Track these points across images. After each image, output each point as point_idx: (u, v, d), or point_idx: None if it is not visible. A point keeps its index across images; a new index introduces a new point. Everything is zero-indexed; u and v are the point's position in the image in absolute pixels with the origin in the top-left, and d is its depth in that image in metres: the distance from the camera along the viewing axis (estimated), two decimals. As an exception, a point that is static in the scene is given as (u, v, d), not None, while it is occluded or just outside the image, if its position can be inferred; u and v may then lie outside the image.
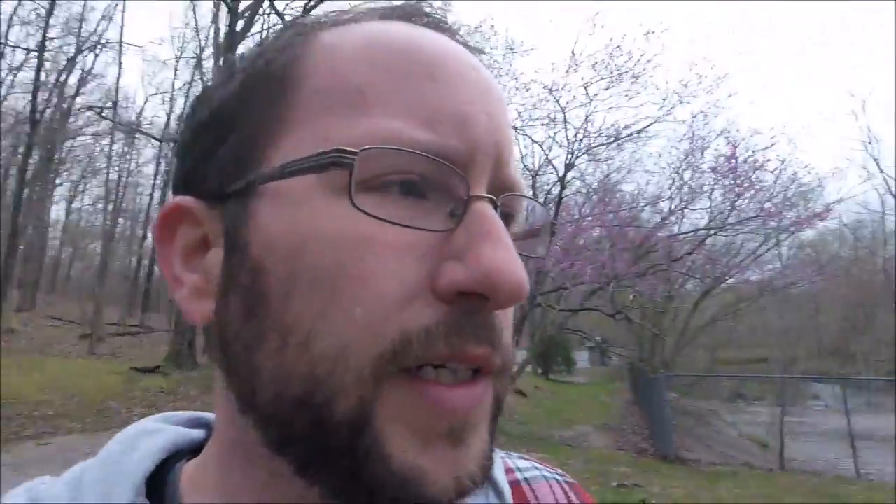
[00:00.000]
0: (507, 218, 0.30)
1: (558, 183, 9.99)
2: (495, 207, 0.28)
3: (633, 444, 10.66)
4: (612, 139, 9.70)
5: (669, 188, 10.51)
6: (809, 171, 10.46)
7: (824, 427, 11.73)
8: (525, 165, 10.75)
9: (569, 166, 9.79)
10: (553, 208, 10.38)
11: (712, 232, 9.83)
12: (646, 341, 12.15)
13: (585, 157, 10.07)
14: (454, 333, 0.25)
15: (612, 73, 9.10)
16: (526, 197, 0.33)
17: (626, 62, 8.97)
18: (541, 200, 10.97)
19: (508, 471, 0.40)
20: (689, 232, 10.57)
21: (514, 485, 0.39)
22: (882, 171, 8.69)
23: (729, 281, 11.78)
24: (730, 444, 12.31)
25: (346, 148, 0.25)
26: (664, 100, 9.35)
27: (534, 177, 10.55)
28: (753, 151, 9.32)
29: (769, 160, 9.30)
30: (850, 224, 15.22)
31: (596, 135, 9.67)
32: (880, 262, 10.73)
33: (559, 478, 0.42)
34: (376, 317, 0.25)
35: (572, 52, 9.06)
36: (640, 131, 9.70)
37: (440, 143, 0.26)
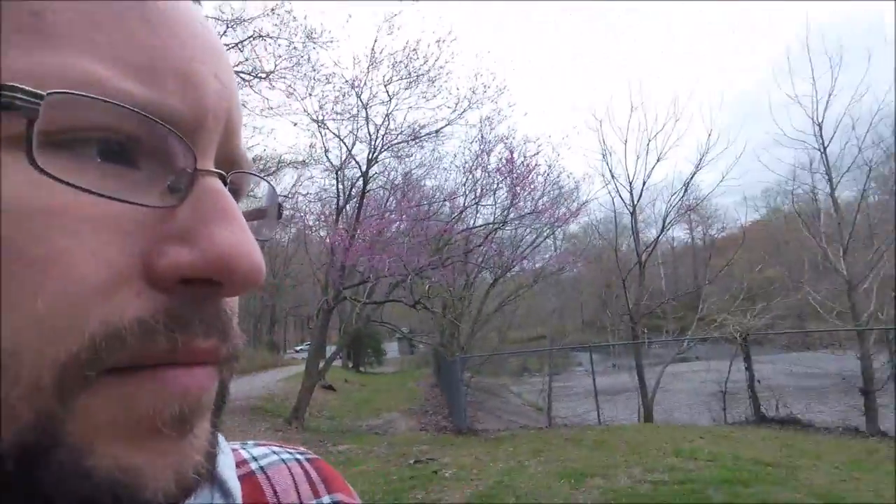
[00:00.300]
0: (234, 196, 0.25)
1: (361, 178, 10.08)
2: (224, 184, 0.24)
3: (434, 423, 11.46)
4: (411, 137, 10.17)
5: (464, 186, 11.52)
6: (569, 175, 12.66)
7: (582, 388, 14.37)
8: (329, 160, 10.57)
9: (371, 162, 9.95)
10: (357, 202, 10.47)
11: (497, 226, 11.10)
12: (446, 328, 13.07)
13: (387, 153, 10.38)
14: (178, 327, 0.21)
15: (410, 73, 9.53)
16: (254, 174, 0.29)
17: (422, 65, 9.50)
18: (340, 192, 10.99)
19: (242, 463, 0.37)
20: (480, 226, 11.78)
21: (248, 476, 0.36)
22: (613, 178, 11.03)
23: (515, 270, 13.48)
24: (515, 412, 14.17)
25: (22, 86, 0.18)
26: (456, 104, 10.17)
27: (337, 171, 10.43)
28: (526, 156, 10.81)
29: (538, 165, 10.92)
30: (597, 220, 18.91)
31: (397, 132, 10.04)
32: (616, 252, 13.67)
33: (300, 457, 0.40)
34: (69, 309, 0.19)
35: (372, 50, 9.21)
36: (436, 132, 10.39)
37: (160, 102, 0.21)
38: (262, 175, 0.30)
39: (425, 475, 6.05)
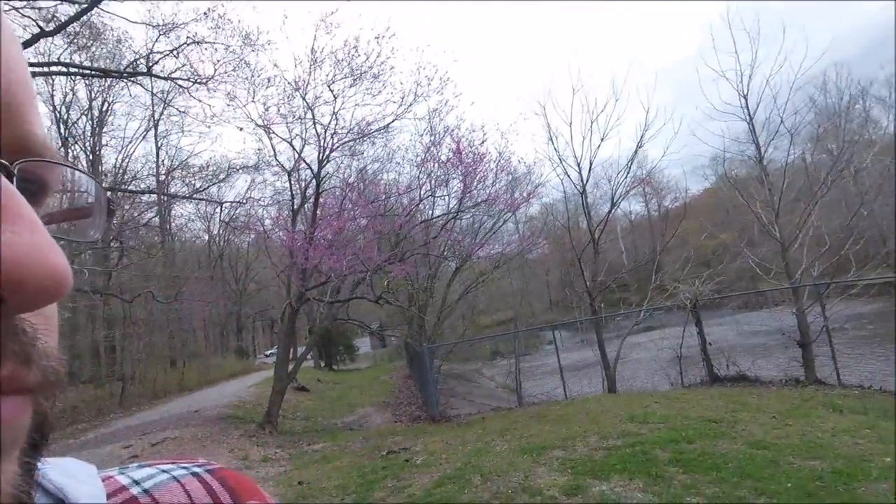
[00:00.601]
0: (34, 192, 0.22)
1: (314, 179, 10.01)
2: (10, 177, 0.21)
3: (408, 413, 11.64)
4: (360, 135, 10.14)
5: (418, 179, 11.58)
6: (520, 160, 12.88)
7: (551, 366, 14.80)
8: (279, 163, 10.44)
9: (322, 163, 9.89)
10: (306, 201, 10.40)
11: (452, 216, 11.25)
12: (414, 319, 13.20)
13: (338, 152, 10.33)
14: None
15: (353, 71, 9.47)
16: (58, 163, 0.24)
17: (364, 62, 9.45)
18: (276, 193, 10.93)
19: (119, 490, 0.34)
20: (436, 218, 11.91)
21: (129, 502, 0.34)
22: (561, 161, 11.32)
23: (477, 256, 13.68)
24: (488, 395, 14.48)
25: None
26: (402, 98, 10.18)
27: (289, 174, 10.33)
28: (474, 145, 10.95)
29: (489, 152, 11.10)
30: (556, 201, 19.26)
31: (345, 131, 9.99)
32: (569, 231, 14.08)
33: (199, 470, 0.38)
34: None
35: (312, 50, 9.10)
36: (385, 127, 10.38)
37: None
38: (69, 164, 0.26)
39: (397, 464, 6.22)
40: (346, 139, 10.03)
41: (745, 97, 8.75)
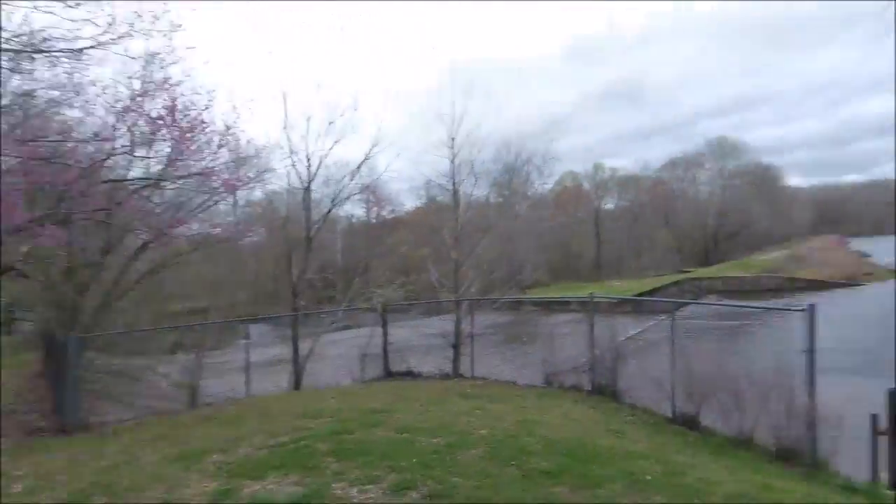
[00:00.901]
0: None
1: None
2: None
3: (23, 425, 8.96)
4: (33, 48, 7.44)
5: (114, 128, 9.23)
6: (249, 141, 11.87)
7: (243, 361, 13.96)
8: None
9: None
10: None
11: (152, 181, 9.48)
12: (68, 301, 10.46)
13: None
14: None
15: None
16: None
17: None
18: None
19: None
20: (132, 180, 9.76)
21: None
22: (291, 154, 11.07)
23: (177, 233, 11.79)
24: (157, 396, 12.47)
25: None
26: (111, 25, 7.91)
27: None
28: (195, 106, 9.48)
29: (214, 122, 9.78)
30: (283, 190, 18.50)
31: (9, 35, 7.14)
32: (285, 224, 13.83)
33: None
34: None
35: None
36: (77, 51, 7.86)
37: None
38: None
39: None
40: (9, 46, 7.20)
41: (453, 140, 10.51)
